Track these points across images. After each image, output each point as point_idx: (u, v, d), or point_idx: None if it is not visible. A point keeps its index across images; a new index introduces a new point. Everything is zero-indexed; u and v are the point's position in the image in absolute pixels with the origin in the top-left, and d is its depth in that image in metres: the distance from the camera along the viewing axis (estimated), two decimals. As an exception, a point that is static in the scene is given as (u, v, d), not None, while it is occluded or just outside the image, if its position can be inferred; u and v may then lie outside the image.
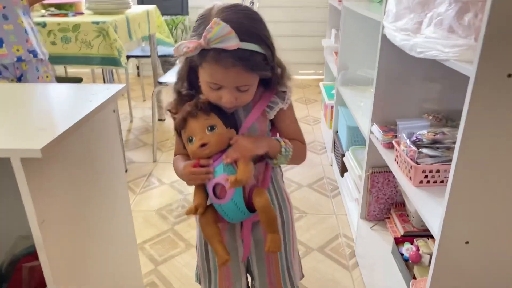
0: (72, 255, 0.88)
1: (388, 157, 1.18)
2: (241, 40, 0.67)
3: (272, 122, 0.86)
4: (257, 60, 0.71)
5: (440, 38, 0.81)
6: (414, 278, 1.11)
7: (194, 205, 0.77)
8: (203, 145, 0.75)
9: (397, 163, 1.11)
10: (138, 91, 3.60)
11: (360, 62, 1.97)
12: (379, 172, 1.38)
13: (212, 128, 0.76)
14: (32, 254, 1.13)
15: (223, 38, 0.66)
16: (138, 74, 3.95)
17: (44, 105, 0.93)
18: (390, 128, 1.25)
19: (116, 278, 1.13)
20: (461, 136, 0.72)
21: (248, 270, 0.95)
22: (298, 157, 0.86)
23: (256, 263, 0.91)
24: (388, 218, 1.42)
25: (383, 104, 1.30)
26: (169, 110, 0.83)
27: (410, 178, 1.01)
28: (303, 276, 1.00)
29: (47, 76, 1.46)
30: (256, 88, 0.79)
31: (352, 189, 1.70)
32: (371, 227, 1.43)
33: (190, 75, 0.80)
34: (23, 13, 1.40)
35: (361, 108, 1.64)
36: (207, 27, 0.67)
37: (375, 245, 1.37)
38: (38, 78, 1.42)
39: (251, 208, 0.77)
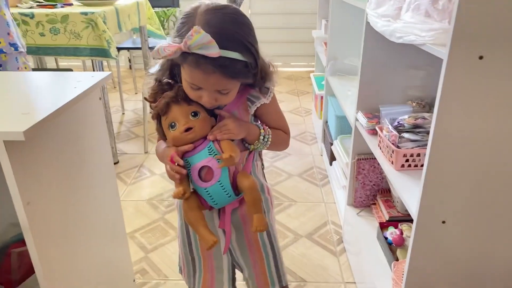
0: (60, 240, 0.89)
1: (372, 143, 1.20)
2: (222, 47, 0.67)
3: (256, 115, 0.87)
4: (237, 68, 0.71)
5: (418, 22, 0.83)
6: (397, 260, 1.14)
7: (182, 188, 0.78)
8: (187, 130, 0.76)
9: (380, 148, 1.13)
10: (130, 83, 3.60)
11: (349, 52, 1.99)
12: (365, 159, 1.40)
13: (195, 114, 0.77)
14: (22, 241, 1.15)
15: (203, 46, 0.66)
16: (130, 67, 3.94)
17: (28, 91, 0.94)
18: (374, 115, 1.27)
19: (105, 264, 1.15)
20: (435, 118, 0.74)
21: (235, 264, 0.96)
22: (279, 144, 0.88)
23: (241, 254, 0.93)
24: (374, 204, 1.45)
25: (368, 91, 1.31)
26: (146, 99, 0.82)
27: (392, 162, 1.04)
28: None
29: (25, 67, 1.47)
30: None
31: (340, 176, 1.72)
32: (357, 213, 1.45)
33: (172, 68, 0.81)
34: (5, 5, 1.40)
35: (348, 97, 1.65)
36: (187, 34, 0.66)
37: (361, 230, 1.40)
38: (18, 68, 1.43)
39: (235, 191, 0.79)
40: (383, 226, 1.30)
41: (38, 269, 0.82)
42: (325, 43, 2.27)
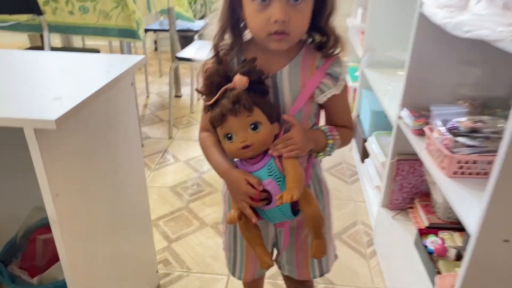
0: (86, 230, 0.85)
1: (417, 145, 1.11)
2: None
3: (321, 105, 0.78)
4: None
5: (493, 15, 0.73)
6: (438, 272, 1.06)
7: (236, 213, 0.71)
8: (246, 147, 0.68)
9: (428, 151, 1.04)
10: (155, 66, 3.56)
11: (388, 43, 1.87)
12: (405, 159, 1.31)
13: (256, 126, 0.67)
14: (46, 226, 1.12)
15: None
16: (156, 49, 3.90)
17: (59, 74, 0.89)
18: (421, 114, 1.18)
19: (129, 253, 1.11)
20: (511, 126, 0.65)
21: (275, 245, 0.91)
22: (342, 145, 0.79)
23: (286, 251, 0.88)
24: (412, 208, 1.36)
25: (415, 88, 1.22)
26: (198, 91, 0.72)
27: (443, 168, 0.95)
28: (337, 257, 0.96)
29: None
30: (308, 53, 0.72)
31: (373, 176, 1.63)
32: (392, 216, 1.37)
33: (233, 23, 0.71)
34: None
35: (388, 92, 1.55)
36: None
37: (396, 235, 1.32)
38: None
39: (295, 210, 0.72)
40: (422, 233, 1.21)
41: (64, 260, 0.78)
42: (362, 33, 2.15)
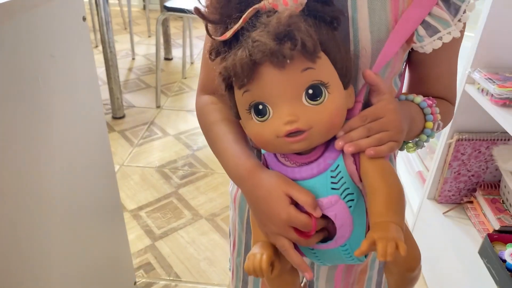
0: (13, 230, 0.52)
1: (505, 119, 0.78)
2: None
3: (411, 59, 0.46)
4: None
5: None
6: (529, 301, 0.76)
7: (266, 255, 0.37)
8: (295, 133, 0.33)
9: (532, 130, 0.71)
10: (143, 25, 3.14)
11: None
12: (469, 139, 0.98)
13: (318, 91, 0.33)
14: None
15: None
16: (144, 7, 3.46)
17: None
18: (506, 77, 0.84)
19: (92, 261, 0.79)
20: None
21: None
22: (440, 129, 0.47)
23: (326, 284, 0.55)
24: (471, 202, 1.05)
25: (496, 41, 0.87)
26: (200, 13, 0.35)
27: None
28: None
29: None
30: None
31: (412, 158, 1.31)
32: (444, 213, 1.06)
33: None
34: None
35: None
36: None
37: (449, 237, 1.01)
38: None
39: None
40: (491, 239, 0.90)
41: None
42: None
